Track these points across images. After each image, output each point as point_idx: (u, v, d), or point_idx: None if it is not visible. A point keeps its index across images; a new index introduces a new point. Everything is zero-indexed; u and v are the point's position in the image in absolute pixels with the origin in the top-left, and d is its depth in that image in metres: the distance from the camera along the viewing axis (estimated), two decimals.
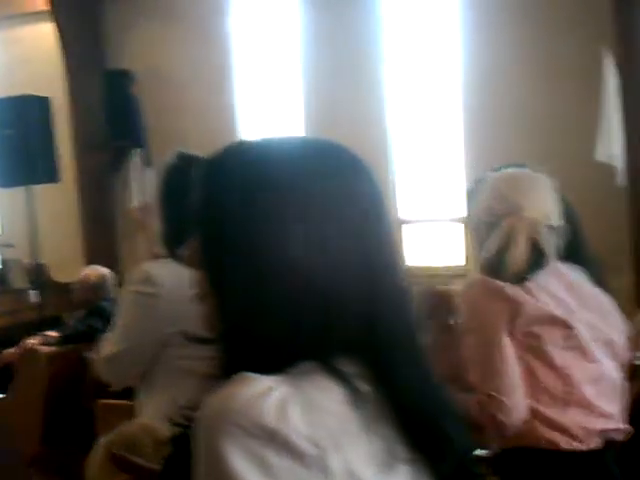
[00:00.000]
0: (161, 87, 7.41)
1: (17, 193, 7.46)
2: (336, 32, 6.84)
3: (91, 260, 6.87)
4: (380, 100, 6.89)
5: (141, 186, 7.36)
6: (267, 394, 0.93)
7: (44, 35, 7.72)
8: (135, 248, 6.93)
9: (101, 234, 7.38)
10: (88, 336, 5.38)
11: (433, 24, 6.78)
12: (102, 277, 5.82)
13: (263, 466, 0.91)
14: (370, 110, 6.83)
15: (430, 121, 6.86)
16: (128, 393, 3.70)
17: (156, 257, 2.44)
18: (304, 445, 0.92)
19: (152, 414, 2.37)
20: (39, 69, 7.67)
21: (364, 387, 0.99)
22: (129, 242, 7.25)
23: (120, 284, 5.83)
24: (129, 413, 3.01)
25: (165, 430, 2.15)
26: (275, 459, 0.91)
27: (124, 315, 2.42)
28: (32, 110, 7.08)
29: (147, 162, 7.43)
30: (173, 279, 2.29)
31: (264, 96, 7.42)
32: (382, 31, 6.87)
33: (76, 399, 4.70)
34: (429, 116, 6.87)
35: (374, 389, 1.00)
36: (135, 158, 7.53)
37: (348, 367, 0.99)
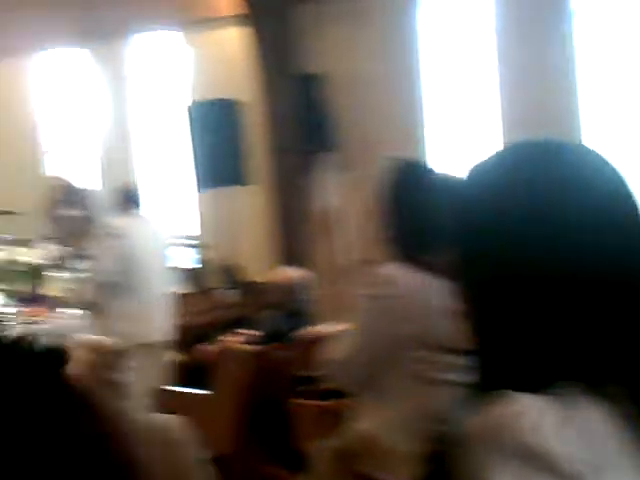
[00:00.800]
0: (352, 90, 7.44)
1: (215, 195, 7.72)
2: (529, 27, 6.65)
3: (285, 261, 6.99)
4: (575, 96, 6.66)
5: (331, 190, 7.44)
6: (536, 415, 0.89)
7: (228, 40, 7.95)
8: (328, 250, 7.01)
9: (294, 236, 7.50)
10: (283, 336, 5.49)
11: (627, 22, 6.50)
12: (296, 279, 5.91)
13: None
14: (566, 106, 6.61)
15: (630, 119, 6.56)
16: (327, 394, 3.72)
17: (376, 260, 2.49)
18: (570, 468, 0.87)
19: (383, 421, 2.36)
20: (227, 73, 7.88)
21: (631, 410, 0.93)
22: (320, 244, 7.35)
23: (313, 286, 5.90)
24: (330, 415, 3.01)
25: (400, 442, 2.14)
26: None
27: (361, 319, 2.48)
28: (224, 113, 7.30)
29: (339, 165, 7.49)
30: (411, 282, 2.36)
31: (454, 94, 7.30)
32: (576, 28, 6.63)
33: (274, 400, 4.73)
34: (629, 116, 6.57)
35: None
36: (326, 161, 7.61)
37: (614, 389, 0.93)
